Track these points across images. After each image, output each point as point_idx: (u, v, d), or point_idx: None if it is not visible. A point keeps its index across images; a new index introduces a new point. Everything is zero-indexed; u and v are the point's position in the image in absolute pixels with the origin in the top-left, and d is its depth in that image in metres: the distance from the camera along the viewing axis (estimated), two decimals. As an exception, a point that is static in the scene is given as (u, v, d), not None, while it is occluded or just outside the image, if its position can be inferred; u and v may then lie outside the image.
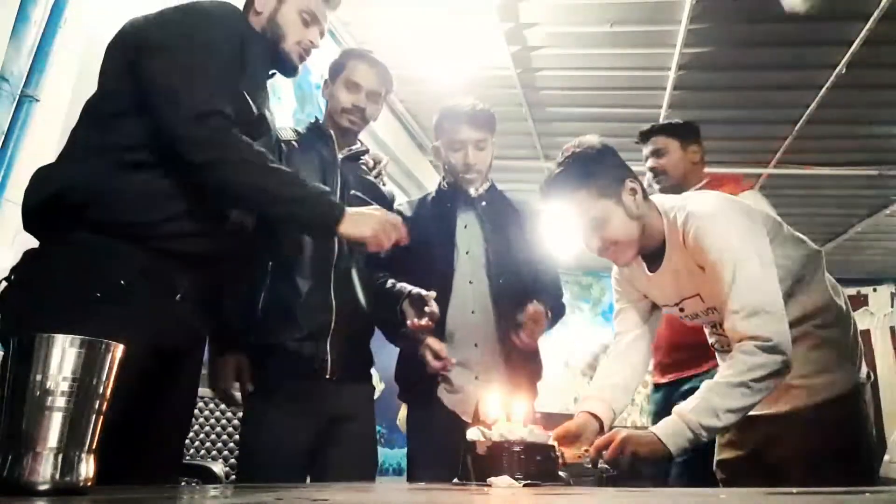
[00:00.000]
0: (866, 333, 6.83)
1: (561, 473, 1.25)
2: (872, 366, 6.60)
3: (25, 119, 1.83)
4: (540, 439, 1.22)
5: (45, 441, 0.65)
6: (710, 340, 1.67)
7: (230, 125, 1.25)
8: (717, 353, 1.69)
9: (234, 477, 2.25)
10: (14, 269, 1.19)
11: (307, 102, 3.39)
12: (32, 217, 1.22)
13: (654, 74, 4.10)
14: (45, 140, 1.87)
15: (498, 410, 1.28)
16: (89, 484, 0.68)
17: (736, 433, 1.66)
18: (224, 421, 2.32)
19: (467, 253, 1.96)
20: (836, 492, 1.10)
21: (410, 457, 1.99)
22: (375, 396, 2.04)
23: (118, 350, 0.71)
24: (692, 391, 1.81)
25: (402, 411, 2.10)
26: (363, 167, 1.93)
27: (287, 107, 3.19)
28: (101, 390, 0.69)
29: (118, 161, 1.21)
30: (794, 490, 1.11)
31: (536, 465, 1.17)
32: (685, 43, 3.70)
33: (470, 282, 1.93)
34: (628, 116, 4.38)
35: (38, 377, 0.66)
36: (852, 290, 6.86)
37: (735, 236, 1.43)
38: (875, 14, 3.34)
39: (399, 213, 1.89)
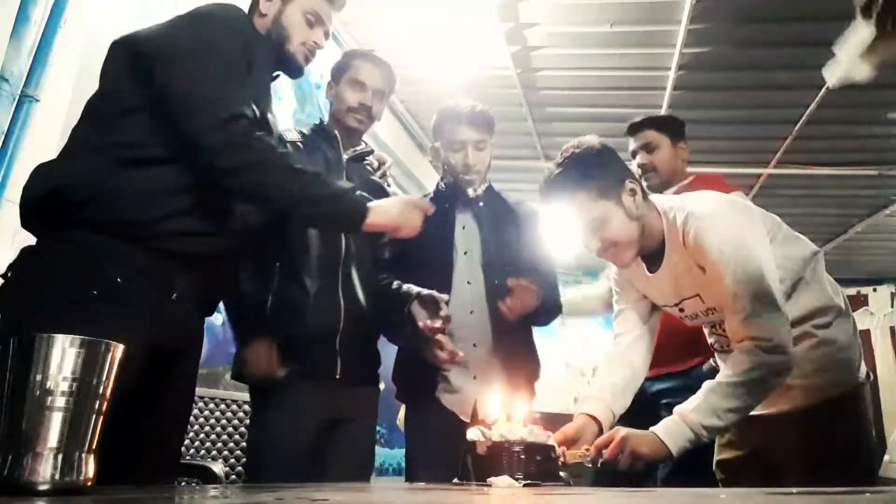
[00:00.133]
0: (866, 333, 6.83)
1: (561, 473, 1.25)
2: (872, 366, 6.60)
3: (25, 119, 1.83)
4: (540, 439, 1.22)
5: (45, 441, 0.65)
6: (710, 340, 1.67)
7: (254, 128, 1.27)
8: (716, 353, 1.69)
9: (234, 477, 2.25)
10: (11, 267, 1.19)
11: (307, 102, 3.39)
12: (30, 214, 1.22)
13: (654, 74, 4.10)
14: (45, 140, 1.87)
15: (498, 410, 1.28)
16: (89, 484, 0.68)
17: (735, 433, 1.66)
18: (224, 421, 2.32)
19: (465, 253, 1.96)
20: (836, 492, 1.10)
21: (409, 457, 1.99)
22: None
23: (118, 350, 0.71)
24: (662, 393, 1.80)
25: (402, 411, 2.10)
26: (368, 168, 1.93)
27: (287, 107, 3.19)
28: (101, 390, 0.69)
29: (117, 159, 1.21)
30: (794, 490, 1.11)
31: (536, 465, 1.17)
32: (685, 43, 3.70)
33: (468, 282, 1.93)
34: (628, 116, 4.31)
35: (38, 377, 0.66)
36: (852, 290, 6.86)
37: (735, 236, 1.43)
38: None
39: None
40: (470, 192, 1.97)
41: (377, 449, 2.61)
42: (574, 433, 1.48)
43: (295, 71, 1.49)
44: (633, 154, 2.37)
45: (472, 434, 1.24)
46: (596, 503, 0.95)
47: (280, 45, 1.43)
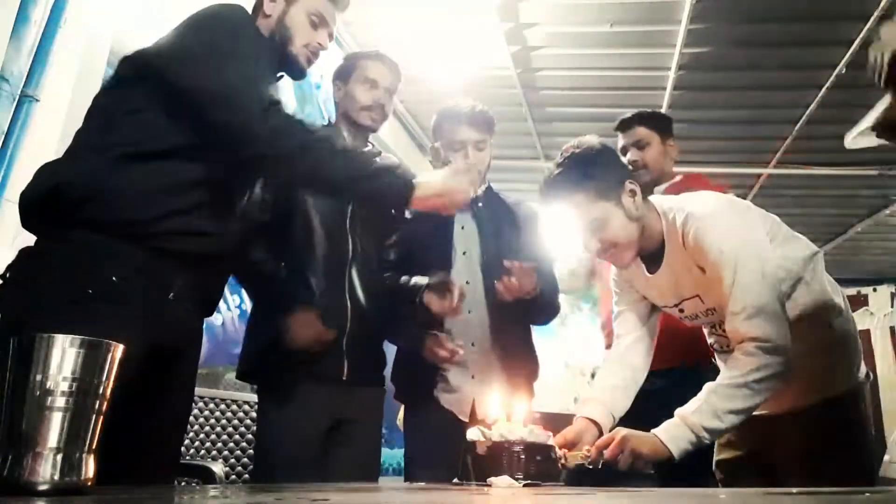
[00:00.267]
0: (866, 333, 6.83)
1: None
2: (872, 366, 6.60)
3: (25, 119, 1.83)
4: (540, 439, 1.22)
5: (45, 441, 0.65)
6: (710, 341, 1.67)
7: (290, 115, 1.29)
8: (716, 354, 1.69)
9: (234, 477, 2.26)
10: (10, 268, 1.19)
11: (307, 102, 3.39)
12: (30, 213, 1.22)
13: (654, 74, 4.10)
14: (45, 140, 1.87)
15: (497, 410, 1.28)
16: (89, 484, 0.68)
17: (735, 433, 1.65)
18: (224, 421, 2.32)
19: (464, 253, 1.96)
20: (836, 492, 1.10)
21: (408, 457, 1.99)
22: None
23: (118, 350, 0.71)
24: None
25: (402, 411, 2.11)
26: None
27: (287, 107, 3.18)
28: (101, 390, 0.69)
29: (116, 158, 1.21)
30: (794, 490, 1.11)
31: (536, 465, 1.17)
32: (685, 43, 3.70)
33: (467, 282, 1.93)
34: (628, 116, 4.37)
35: (38, 377, 0.66)
36: (852, 290, 6.86)
37: (735, 237, 1.43)
38: (875, 14, 3.34)
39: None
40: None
41: (377, 449, 2.61)
42: (574, 437, 1.48)
43: (297, 72, 1.49)
44: (623, 151, 2.33)
45: (472, 434, 1.24)
46: (596, 503, 0.95)
47: (283, 47, 1.43)
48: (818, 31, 3.60)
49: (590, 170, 1.49)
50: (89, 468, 0.68)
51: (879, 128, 1.35)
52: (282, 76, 1.50)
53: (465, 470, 1.21)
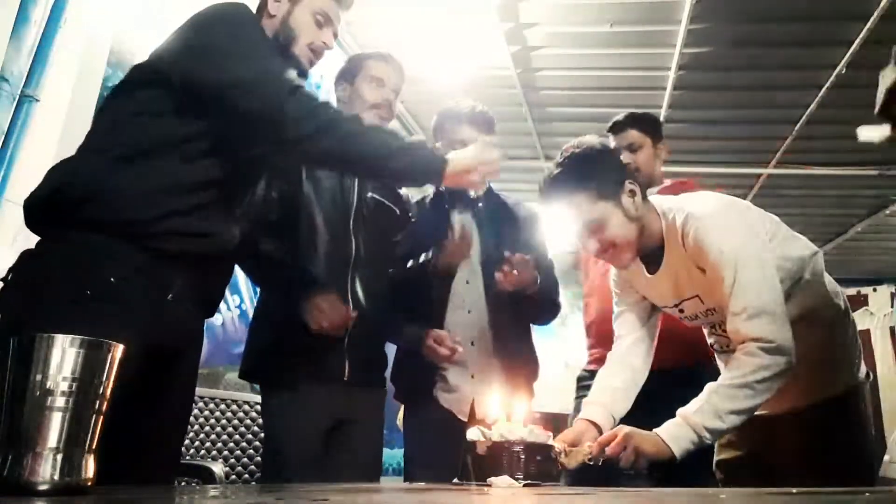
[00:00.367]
0: (866, 333, 6.83)
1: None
2: (872, 366, 6.60)
3: (25, 119, 1.83)
4: (540, 439, 1.22)
5: (45, 441, 0.65)
6: (710, 341, 1.67)
7: (315, 96, 1.30)
8: (716, 354, 1.69)
9: (234, 477, 2.26)
10: (11, 269, 1.19)
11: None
12: (32, 214, 1.23)
13: (654, 74, 4.10)
14: (45, 140, 1.87)
15: (497, 410, 1.28)
16: (89, 484, 0.68)
17: (735, 433, 1.65)
18: (224, 421, 2.33)
19: (464, 254, 1.96)
20: (836, 492, 1.10)
21: (408, 457, 1.99)
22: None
23: (118, 350, 0.71)
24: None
25: (401, 411, 2.11)
26: None
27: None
28: (101, 390, 0.69)
29: (117, 159, 1.21)
30: (794, 490, 1.11)
31: (536, 465, 1.17)
32: (685, 43, 3.70)
33: (467, 282, 1.94)
34: (628, 116, 4.37)
35: (38, 377, 0.66)
36: (852, 290, 6.86)
37: (735, 237, 1.43)
38: (875, 14, 3.34)
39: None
40: (470, 192, 1.97)
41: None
42: (574, 438, 1.48)
43: (300, 72, 1.49)
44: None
45: (472, 434, 1.24)
46: (596, 503, 0.95)
47: (287, 47, 1.43)
48: (818, 31, 3.60)
49: (589, 170, 1.49)
50: (89, 468, 0.68)
51: (884, 107, 1.35)
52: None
53: (465, 470, 1.21)
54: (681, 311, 1.60)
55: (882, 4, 3.27)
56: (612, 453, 1.34)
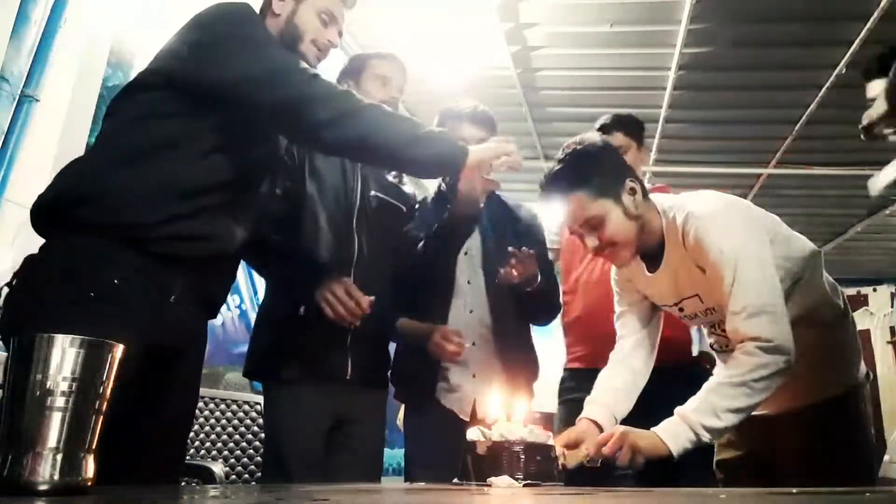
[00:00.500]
0: (866, 333, 6.83)
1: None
2: (872, 366, 6.59)
3: (25, 119, 1.83)
4: (540, 439, 1.22)
5: (45, 441, 0.65)
6: (709, 340, 1.67)
7: (334, 84, 1.30)
8: (715, 354, 1.69)
9: (234, 477, 2.26)
10: (16, 274, 1.19)
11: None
12: (37, 217, 1.23)
13: (654, 74, 4.10)
14: (45, 140, 1.87)
15: (498, 410, 1.28)
16: (89, 484, 0.68)
17: (734, 433, 1.65)
18: (224, 421, 2.33)
19: (466, 253, 1.96)
20: (836, 492, 1.10)
21: (409, 457, 1.99)
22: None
23: (118, 350, 0.71)
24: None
25: (402, 411, 2.11)
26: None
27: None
28: (100, 390, 0.69)
29: (122, 161, 1.21)
30: (794, 490, 1.11)
31: (536, 465, 1.17)
32: (685, 43, 3.70)
33: (468, 281, 1.94)
34: (628, 116, 4.38)
35: (38, 377, 0.66)
36: (852, 290, 6.86)
37: (735, 236, 1.43)
38: (875, 14, 3.34)
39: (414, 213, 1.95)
40: (480, 203, 1.97)
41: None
42: (576, 437, 1.48)
43: None
44: None
45: (472, 434, 1.24)
46: (596, 503, 0.95)
47: (292, 46, 1.43)
48: (818, 31, 3.61)
49: (591, 167, 1.49)
50: (89, 468, 0.68)
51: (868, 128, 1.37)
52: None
53: (465, 470, 1.21)
54: (680, 309, 1.60)
55: (882, 4, 3.27)
56: (609, 452, 1.34)
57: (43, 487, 0.65)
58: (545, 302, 1.97)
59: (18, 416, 0.65)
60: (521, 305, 1.91)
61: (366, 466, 1.77)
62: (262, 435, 2.28)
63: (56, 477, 0.65)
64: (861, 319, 6.63)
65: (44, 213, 1.22)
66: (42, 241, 1.23)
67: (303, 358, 1.68)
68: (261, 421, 2.33)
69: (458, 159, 1.34)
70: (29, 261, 1.21)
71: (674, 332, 1.88)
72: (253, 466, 2.32)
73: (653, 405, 1.48)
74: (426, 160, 1.34)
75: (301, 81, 1.26)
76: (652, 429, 1.37)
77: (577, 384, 2.21)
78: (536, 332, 2.09)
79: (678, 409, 1.38)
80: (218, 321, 2.80)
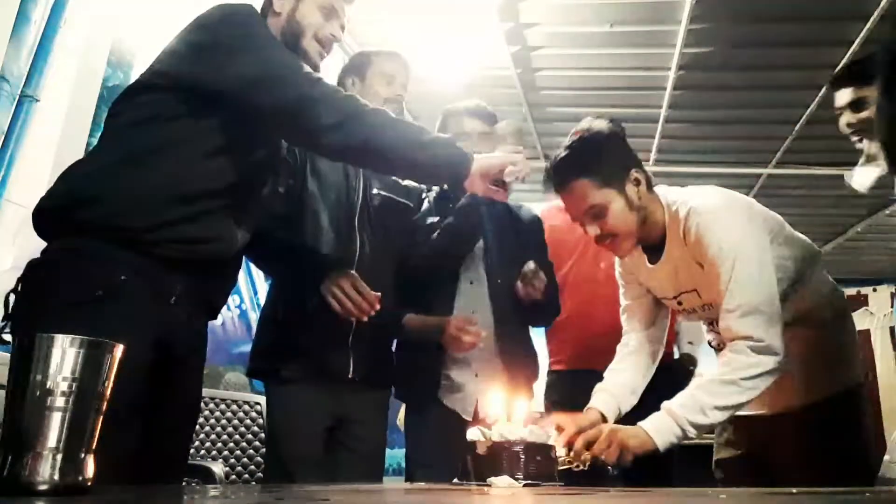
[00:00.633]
0: (866, 333, 6.83)
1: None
2: (872, 366, 6.59)
3: (25, 119, 1.83)
4: (540, 439, 1.22)
5: (45, 441, 0.65)
6: (708, 338, 1.67)
7: (336, 87, 1.29)
8: (715, 353, 1.69)
9: (234, 477, 2.26)
10: (20, 280, 1.20)
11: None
12: (39, 220, 1.23)
13: (654, 74, 4.10)
14: (45, 140, 1.87)
15: (499, 409, 1.28)
16: (89, 484, 0.68)
17: (733, 433, 1.66)
18: (224, 421, 2.33)
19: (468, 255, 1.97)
20: (836, 492, 1.10)
21: (409, 456, 1.99)
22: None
23: (118, 350, 0.71)
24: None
25: (402, 411, 2.11)
26: None
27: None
28: (100, 390, 0.69)
29: (123, 164, 1.21)
30: (794, 490, 1.11)
31: (536, 465, 1.17)
32: (685, 43, 3.70)
33: (471, 282, 1.94)
34: (628, 116, 4.37)
35: (38, 377, 0.66)
36: (852, 290, 6.86)
37: (736, 234, 1.43)
38: (875, 14, 3.34)
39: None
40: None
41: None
42: (589, 426, 1.49)
43: (310, 67, 1.48)
44: None
45: (472, 434, 1.24)
46: (596, 503, 0.95)
47: (295, 43, 1.42)
48: (818, 31, 3.61)
49: (596, 155, 1.49)
50: (89, 468, 0.68)
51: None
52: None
53: (465, 470, 1.21)
54: (679, 303, 1.61)
55: (882, 4, 3.27)
56: (598, 451, 1.34)
57: (43, 487, 0.65)
58: (547, 305, 1.97)
59: (18, 416, 0.65)
60: (522, 307, 1.91)
61: (367, 466, 1.76)
62: (262, 435, 2.29)
63: (56, 477, 0.65)
64: (861, 319, 6.63)
65: (46, 216, 1.22)
66: (42, 242, 1.23)
67: (305, 357, 1.68)
68: (261, 421, 2.34)
69: (463, 166, 1.33)
70: (32, 265, 1.21)
71: None
72: (253, 466, 2.32)
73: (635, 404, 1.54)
74: (430, 165, 1.33)
75: (303, 84, 1.25)
76: (638, 423, 1.38)
77: (564, 387, 2.24)
78: (537, 333, 2.09)
79: (665, 404, 1.39)
80: (218, 321, 2.80)
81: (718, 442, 1.71)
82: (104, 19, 2.11)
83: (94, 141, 1.71)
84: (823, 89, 4.04)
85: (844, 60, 3.72)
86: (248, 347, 1.87)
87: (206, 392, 2.31)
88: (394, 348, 2.01)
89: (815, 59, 3.82)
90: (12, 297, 1.17)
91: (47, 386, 0.66)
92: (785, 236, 1.56)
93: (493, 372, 1.87)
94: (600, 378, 1.65)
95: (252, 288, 3.11)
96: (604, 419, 1.54)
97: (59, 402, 0.66)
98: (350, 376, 1.71)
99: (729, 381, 1.35)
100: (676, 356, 2.67)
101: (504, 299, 1.89)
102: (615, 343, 1.74)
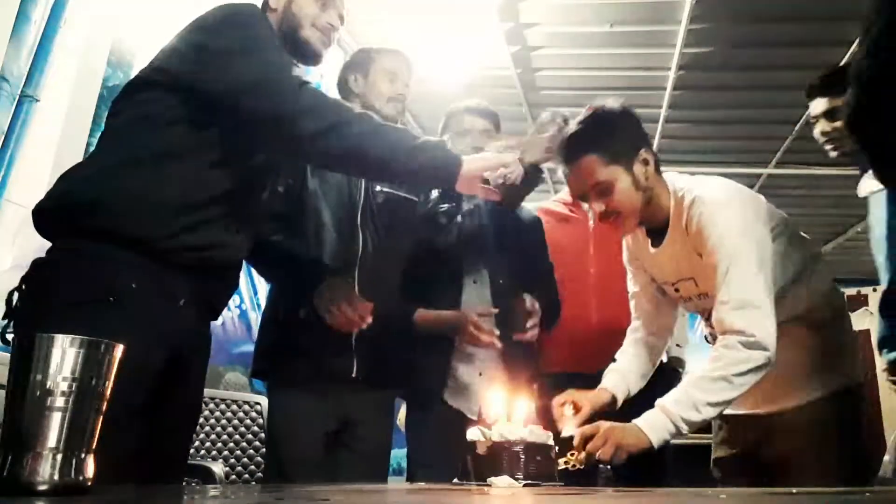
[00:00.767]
0: (866, 333, 6.82)
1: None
2: (872, 366, 6.57)
3: (25, 119, 1.83)
4: (540, 439, 1.22)
5: (45, 441, 0.65)
6: (704, 333, 1.68)
7: (324, 94, 1.28)
8: (711, 346, 1.69)
9: (234, 477, 2.26)
10: (24, 279, 1.19)
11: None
12: (40, 220, 1.22)
13: (654, 74, 4.10)
14: (45, 140, 1.87)
15: (501, 409, 1.28)
16: (89, 484, 0.68)
17: (731, 431, 1.66)
18: (224, 421, 2.33)
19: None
20: (836, 492, 1.10)
21: (411, 456, 1.99)
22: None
23: (118, 350, 0.71)
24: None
25: (403, 411, 2.10)
26: None
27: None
28: (100, 390, 0.69)
29: (125, 167, 1.21)
30: (794, 490, 1.11)
31: (536, 465, 1.17)
32: (685, 43, 3.70)
33: (474, 281, 1.94)
34: (628, 116, 4.38)
35: (38, 377, 0.66)
36: (852, 290, 6.84)
37: (737, 228, 1.43)
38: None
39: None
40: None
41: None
42: (602, 408, 1.53)
43: (311, 57, 1.47)
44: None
45: (472, 434, 1.24)
46: (596, 503, 0.95)
47: (294, 34, 1.42)
48: (818, 31, 3.61)
49: (606, 132, 1.50)
50: (89, 468, 0.68)
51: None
52: (296, 65, 1.49)
53: (465, 470, 1.21)
54: (677, 290, 1.61)
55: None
56: (594, 449, 1.35)
57: (43, 487, 0.64)
58: (548, 310, 1.97)
59: (18, 416, 0.65)
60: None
61: (371, 466, 1.76)
62: (262, 435, 2.28)
63: (56, 477, 0.65)
64: (861, 319, 6.61)
65: (48, 217, 1.21)
66: (41, 242, 1.23)
67: (308, 358, 1.67)
68: (261, 421, 2.34)
69: (452, 168, 1.32)
70: (36, 266, 1.21)
71: None
72: (253, 466, 2.32)
73: (624, 404, 1.58)
74: (418, 170, 1.32)
75: (288, 92, 1.23)
76: (633, 420, 1.39)
77: (557, 391, 2.24)
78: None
79: (659, 401, 1.39)
80: (218, 321, 2.80)
81: (716, 441, 1.71)
82: (104, 19, 2.12)
83: (94, 141, 1.71)
84: (823, 89, 4.04)
85: (844, 60, 3.72)
86: (248, 347, 1.87)
87: (206, 392, 2.30)
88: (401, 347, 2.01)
89: (815, 59, 3.81)
90: (16, 296, 1.17)
91: (47, 386, 0.66)
92: (789, 234, 1.56)
93: (496, 371, 1.87)
94: (592, 381, 1.66)
95: (252, 288, 3.10)
96: (613, 400, 1.57)
97: (59, 402, 0.66)
98: (353, 376, 1.70)
99: (720, 377, 1.36)
100: (665, 359, 2.68)
101: (506, 299, 1.89)
102: (607, 347, 1.76)
